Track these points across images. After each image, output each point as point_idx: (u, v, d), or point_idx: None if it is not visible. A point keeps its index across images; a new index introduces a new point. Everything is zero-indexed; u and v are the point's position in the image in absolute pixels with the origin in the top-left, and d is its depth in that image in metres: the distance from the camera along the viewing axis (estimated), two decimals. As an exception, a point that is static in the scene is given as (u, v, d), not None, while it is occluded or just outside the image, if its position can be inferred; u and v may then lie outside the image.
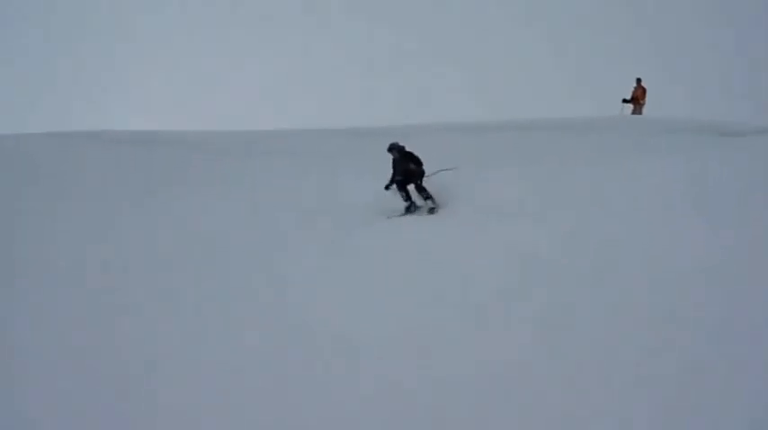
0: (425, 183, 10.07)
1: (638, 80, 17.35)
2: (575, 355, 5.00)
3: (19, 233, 10.07)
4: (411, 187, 10.25)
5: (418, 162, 10.21)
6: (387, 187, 10.33)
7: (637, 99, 17.21)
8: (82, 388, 5.23)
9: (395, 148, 10.46)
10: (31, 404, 5.22)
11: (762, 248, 6.63)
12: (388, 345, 5.51)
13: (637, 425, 4.17)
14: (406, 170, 10.25)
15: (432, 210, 9.97)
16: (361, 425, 4.46)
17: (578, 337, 5.28)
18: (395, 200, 10.18)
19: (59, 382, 5.37)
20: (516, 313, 5.85)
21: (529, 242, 7.77)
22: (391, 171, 10.32)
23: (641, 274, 6.40)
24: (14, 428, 5.04)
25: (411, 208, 10.09)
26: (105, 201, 11.49)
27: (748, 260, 6.38)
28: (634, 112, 17.18)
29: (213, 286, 7.46)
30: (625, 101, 17.14)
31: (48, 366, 5.68)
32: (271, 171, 12.07)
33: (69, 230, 10.02)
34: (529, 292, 6.30)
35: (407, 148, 10.36)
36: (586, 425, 4.22)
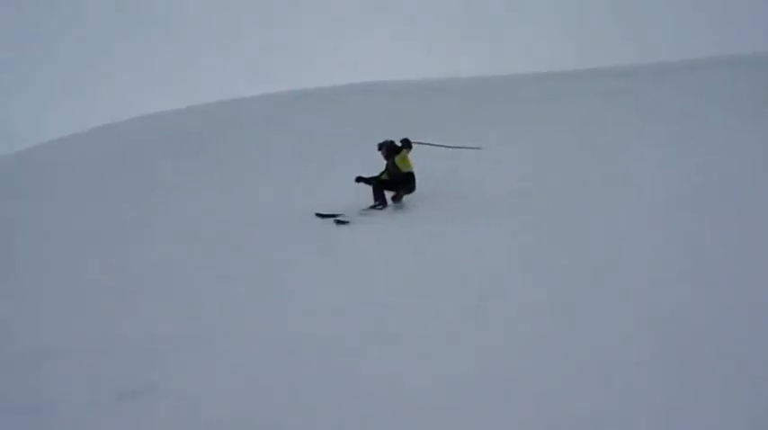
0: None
1: None
2: (575, 355, 5.00)
3: (19, 233, 10.07)
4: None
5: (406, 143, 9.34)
6: (358, 179, 9.62)
7: None
8: (82, 388, 5.22)
9: (385, 146, 9.59)
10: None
11: (763, 246, 6.64)
12: (388, 345, 5.51)
13: (637, 425, 4.16)
14: (398, 175, 9.44)
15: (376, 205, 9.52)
16: (360, 425, 4.45)
17: (578, 337, 5.28)
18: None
19: (59, 382, 5.36)
20: (516, 313, 5.85)
21: (528, 242, 7.77)
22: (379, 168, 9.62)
23: (641, 274, 6.40)
24: (14, 428, 5.04)
25: (379, 206, 9.62)
26: (105, 201, 11.49)
27: (749, 259, 6.38)
28: None
29: (213, 286, 7.46)
30: None
31: (47, 366, 5.68)
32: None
33: (69, 230, 10.03)
34: (529, 292, 6.30)
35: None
36: (586, 425, 4.21)
